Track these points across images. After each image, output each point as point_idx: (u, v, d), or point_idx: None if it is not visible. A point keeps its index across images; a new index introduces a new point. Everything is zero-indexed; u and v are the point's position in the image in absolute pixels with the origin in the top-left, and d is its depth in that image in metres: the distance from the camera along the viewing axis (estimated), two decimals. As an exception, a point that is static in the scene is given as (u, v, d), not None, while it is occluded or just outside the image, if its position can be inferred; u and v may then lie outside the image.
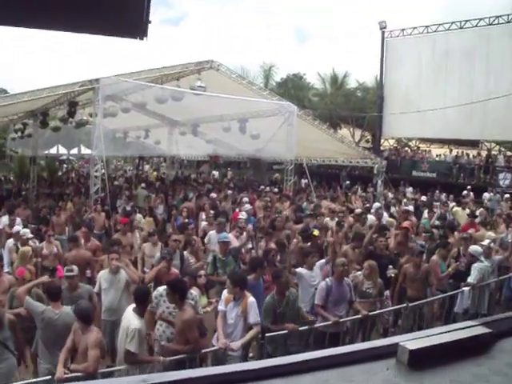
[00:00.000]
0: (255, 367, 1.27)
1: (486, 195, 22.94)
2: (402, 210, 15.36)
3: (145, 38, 2.56)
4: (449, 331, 1.51)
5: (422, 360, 1.33)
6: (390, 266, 9.04)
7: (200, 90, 17.46)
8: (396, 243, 10.83)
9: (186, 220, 12.52)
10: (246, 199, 16.44)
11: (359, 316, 7.62)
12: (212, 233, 10.88)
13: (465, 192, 21.94)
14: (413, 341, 1.39)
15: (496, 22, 27.43)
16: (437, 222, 13.76)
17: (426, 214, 15.28)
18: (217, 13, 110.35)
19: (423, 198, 19.63)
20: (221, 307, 6.80)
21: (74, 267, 7.40)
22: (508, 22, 26.89)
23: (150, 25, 2.54)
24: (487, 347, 1.50)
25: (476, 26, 28.18)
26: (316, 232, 10.26)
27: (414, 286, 9.03)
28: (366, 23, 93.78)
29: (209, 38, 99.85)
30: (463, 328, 1.55)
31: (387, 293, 8.99)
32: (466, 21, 28.68)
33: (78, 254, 9.29)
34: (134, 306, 6.15)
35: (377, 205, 16.25)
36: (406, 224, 11.71)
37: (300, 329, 7.04)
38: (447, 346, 1.39)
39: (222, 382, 1.21)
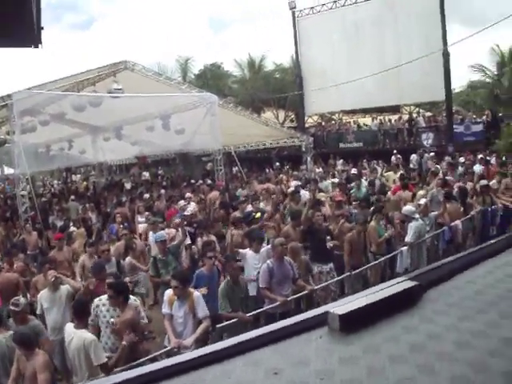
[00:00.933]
0: (187, 358, 1.27)
1: (414, 156, 23.68)
2: (332, 183, 15.75)
3: (39, 46, 2.48)
4: (378, 291, 1.55)
5: (352, 323, 1.35)
6: (329, 237, 9.24)
7: (118, 93, 17.09)
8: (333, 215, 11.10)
9: (121, 226, 12.33)
10: (188, 195, 16.19)
11: (306, 292, 7.74)
12: (151, 233, 10.81)
13: (393, 157, 22.70)
14: (342, 306, 1.42)
15: (399, -11, 28.20)
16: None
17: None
18: (128, 12, 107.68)
19: (354, 170, 20.06)
20: (165, 310, 6.72)
21: (21, 300, 6.80)
22: (410, -12, 27.69)
23: (43, 31, 2.47)
24: (416, 299, 1.54)
25: (381, -5, 28.87)
26: (258, 214, 10.38)
27: (356, 253, 9.29)
28: (276, 4, 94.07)
29: (123, 39, 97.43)
30: (392, 285, 1.59)
31: (331, 265, 9.19)
32: (372, -9, 29.30)
33: (3, 280, 8.88)
34: (72, 324, 5.98)
35: (295, 183, 16.51)
36: (337, 197, 12.04)
37: (249, 314, 7.10)
38: (377, 304, 1.42)
39: (158, 377, 1.20)
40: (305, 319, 1.41)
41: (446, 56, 26.13)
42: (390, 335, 1.32)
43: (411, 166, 22.10)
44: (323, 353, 1.25)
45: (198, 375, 1.20)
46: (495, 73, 31.47)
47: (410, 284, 1.56)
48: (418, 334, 1.33)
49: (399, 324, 1.39)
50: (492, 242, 2.54)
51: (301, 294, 7.77)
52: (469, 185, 12.79)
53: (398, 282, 1.58)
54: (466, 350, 1.22)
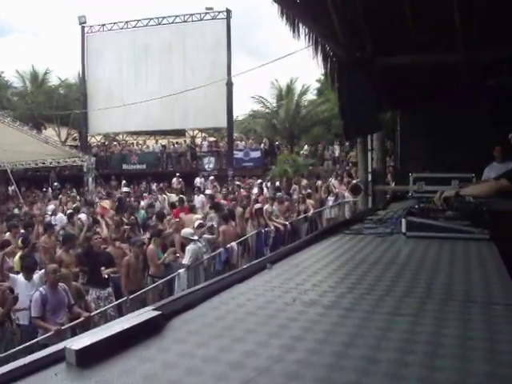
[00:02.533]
0: None
1: (198, 180, 24.46)
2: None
3: None
4: (119, 322, 1.58)
5: (90, 357, 1.35)
6: (103, 268, 8.97)
7: None
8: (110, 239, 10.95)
9: None
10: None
11: (81, 319, 7.47)
12: None
13: (174, 179, 23.29)
14: (80, 340, 1.42)
15: (190, 19, 29.25)
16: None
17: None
18: None
19: (125, 189, 20.20)
20: None
21: None
22: (200, 19, 28.93)
23: None
24: (157, 329, 1.60)
25: (173, 22, 29.58)
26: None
27: (134, 276, 9.21)
28: (67, 18, 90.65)
29: None
30: (135, 316, 1.64)
31: (109, 290, 9.00)
32: (164, 17, 29.84)
33: None
34: None
35: (51, 207, 16.15)
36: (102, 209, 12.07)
37: (21, 347, 6.63)
38: (116, 337, 1.45)
39: None
40: (40, 358, 1.38)
41: (229, 85, 27.78)
42: (126, 368, 1.35)
43: (196, 189, 22.79)
44: (56, 391, 1.24)
45: None
46: (274, 104, 33.86)
47: (152, 314, 1.62)
48: (154, 363, 1.38)
49: (137, 355, 1.43)
50: (240, 268, 2.72)
51: (76, 321, 7.48)
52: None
53: (140, 313, 1.63)
54: (195, 378, 1.30)
